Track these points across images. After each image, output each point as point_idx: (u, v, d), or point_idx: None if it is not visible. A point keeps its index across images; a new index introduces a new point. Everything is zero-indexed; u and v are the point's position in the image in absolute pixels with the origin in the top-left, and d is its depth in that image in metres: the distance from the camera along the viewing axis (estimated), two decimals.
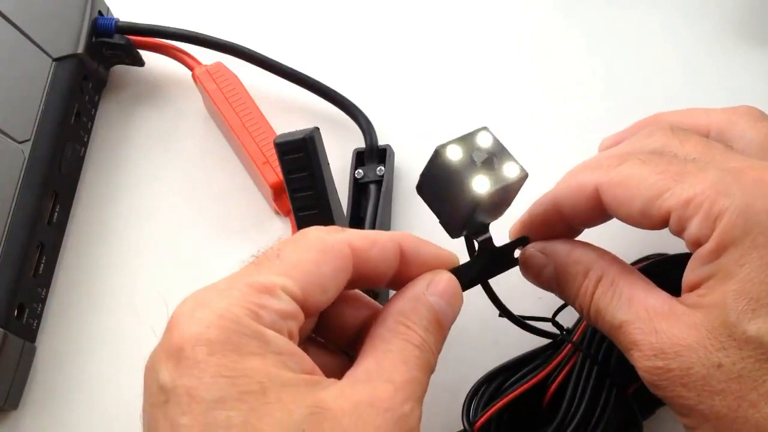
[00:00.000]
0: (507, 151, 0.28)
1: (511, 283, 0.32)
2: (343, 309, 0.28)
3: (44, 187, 0.40)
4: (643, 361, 0.26)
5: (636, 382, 0.32)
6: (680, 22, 0.47)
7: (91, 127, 0.46)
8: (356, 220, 0.41)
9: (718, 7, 0.47)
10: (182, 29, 0.45)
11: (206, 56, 0.45)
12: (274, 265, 0.25)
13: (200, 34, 0.45)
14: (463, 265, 0.30)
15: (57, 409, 0.39)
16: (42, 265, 0.40)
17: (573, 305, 0.30)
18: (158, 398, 0.22)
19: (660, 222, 0.27)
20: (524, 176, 0.28)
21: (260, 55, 0.45)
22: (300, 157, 0.32)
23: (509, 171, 0.28)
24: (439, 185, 0.28)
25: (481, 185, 0.27)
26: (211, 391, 0.21)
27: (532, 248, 0.31)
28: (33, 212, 0.39)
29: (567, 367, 0.32)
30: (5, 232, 0.38)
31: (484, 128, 0.28)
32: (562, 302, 0.33)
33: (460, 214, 0.28)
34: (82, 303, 0.41)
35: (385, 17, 0.49)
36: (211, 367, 0.22)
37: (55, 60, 0.42)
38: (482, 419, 0.32)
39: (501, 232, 0.32)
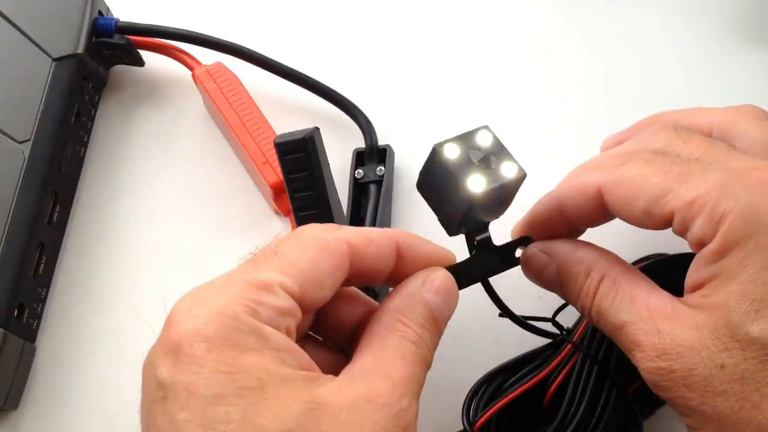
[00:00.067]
0: (506, 150, 0.28)
1: (511, 283, 0.32)
2: (340, 306, 0.28)
3: (44, 187, 0.40)
4: (645, 361, 0.26)
5: (636, 382, 0.32)
6: (680, 22, 0.47)
7: (91, 127, 0.46)
8: (356, 220, 0.41)
9: (718, 7, 0.47)
10: (182, 29, 0.45)
11: (206, 56, 0.45)
12: (271, 262, 0.25)
13: (200, 34, 0.45)
14: (459, 263, 0.30)
15: (57, 409, 0.39)
16: (42, 265, 0.40)
17: (575, 305, 0.30)
18: (157, 394, 0.22)
19: (663, 222, 0.27)
20: (522, 176, 0.28)
21: (260, 55, 0.45)
22: (300, 157, 0.32)
23: (507, 170, 0.28)
24: (436, 183, 0.29)
25: (476, 184, 0.27)
26: (210, 387, 0.22)
27: (534, 248, 0.31)
28: (33, 212, 0.39)
29: (567, 367, 0.32)
30: (5, 232, 0.38)
31: (485, 127, 0.28)
32: (561, 302, 0.33)
33: (457, 212, 0.28)
34: (82, 303, 0.41)
35: (385, 17, 0.49)
36: (210, 363, 0.22)
37: (55, 60, 0.42)
38: (482, 419, 0.32)
39: (503, 231, 0.32)
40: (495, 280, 0.31)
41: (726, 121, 0.31)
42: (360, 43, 0.48)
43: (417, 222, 0.42)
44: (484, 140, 0.28)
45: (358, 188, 0.42)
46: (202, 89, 0.45)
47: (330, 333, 0.29)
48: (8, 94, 0.41)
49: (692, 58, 0.46)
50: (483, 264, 0.30)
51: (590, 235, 0.32)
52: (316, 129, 0.32)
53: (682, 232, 0.27)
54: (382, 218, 0.40)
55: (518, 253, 0.32)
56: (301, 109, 0.46)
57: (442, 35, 0.48)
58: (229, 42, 0.45)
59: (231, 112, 0.43)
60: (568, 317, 0.33)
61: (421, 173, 0.29)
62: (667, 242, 0.33)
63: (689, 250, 0.27)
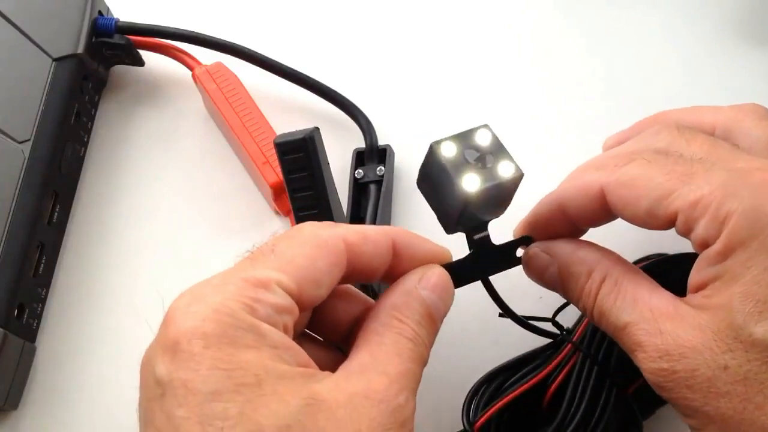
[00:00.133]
0: (505, 149, 0.28)
1: (511, 283, 0.32)
2: (337, 304, 0.28)
3: (44, 187, 0.40)
4: (648, 362, 0.26)
5: (636, 382, 0.32)
6: (680, 22, 0.47)
7: (91, 127, 0.46)
8: (356, 220, 0.41)
9: (718, 7, 0.47)
10: (182, 29, 0.45)
11: (206, 56, 0.45)
12: (269, 260, 0.25)
13: (200, 34, 0.45)
14: (456, 261, 0.30)
15: (57, 409, 0.39)
16: (42, 265, 0.40)
17: (577, 306, 0.30)
18: (155, 392, 0.22)
19: (666, 223, 0.27)
20: (519, 176, 0.28)
21: (260, 55, 0.45)
22: (300, 157, 0.32)
23: (504, 170, 0.28)
24: (433, 181, 0.29)
25: (470, 183, 0.27)
26: (208, 384, 0.22)
27: (536, 248, 0.31)
28: (33, 212, 0.39)
29: (567, 367, 0.32)
30: (5, 232, 0.38)
31: (485, 125, 0.28)
32: (562, 302, 0.33)
33: (453, 210, 0.28)
34: (82, 303, 0.41)
35: (385, 17, 0.49)
36: (207, 360, 0.22)
37: (55, 60, 0.42)
38: (482, 419, 0.32)
39: (503, 231, 0.32)
40: (495, 280, 0.31)
41: (729, 120, 0.31)
42: (360, 43, 0.48)
43: (417, 222, 0.42)
44: (483, 139, 0.28)
45: (358, 188, 0.42)
46: (202, 89, 0.45)
47: (326, 331, 0.29)
48: (8, 94, 0.41)
49: (692, 58, 0.46)
50: (481, 263, 0.30)
51: (591, 234, 0.32)
52: (316, 129, 0.32)
53: (685, 233, 0.27)
54: (382, 218, 0.40)
55: (520, 252, 0.32)
56: (301, 109, 0.46)
57: (442, 35, 0.48)
58: (229, 42, 0.45)
59: (231, 112, 0.43)
60: (568, 317, 0.33)
61: (420, 170, 0.29)
62: (667, 241, 0.33)
63: (689, 250, 0.27)
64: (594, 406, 0.31)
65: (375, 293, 0.33)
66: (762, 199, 0.25)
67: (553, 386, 0.32)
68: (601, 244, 0.30)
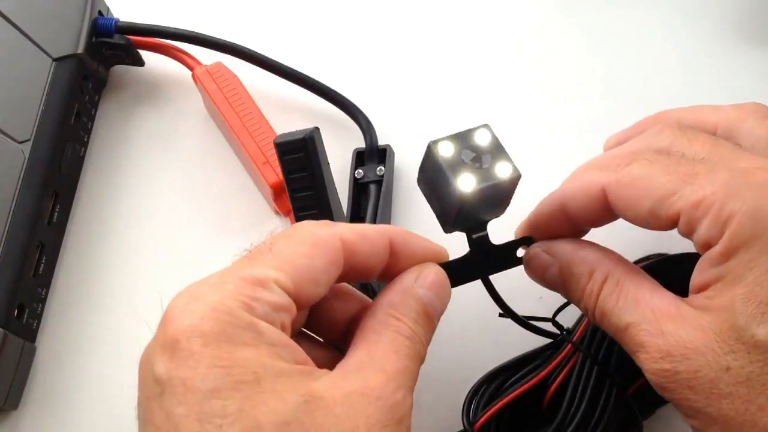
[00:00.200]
0: (503, 150, 0.28)
1: (511, 283, 0.32)
2: (334, 303, 0.28)
3: (44, 187, 0.40)
4: (650, 363, 0.26)
5: (636, 383, 0.32)
6: (680, 22, 0.47)
7: (91, 127, 0.46)
8: (356, 220, 0.41)
9: (718, 7, 0.47)
10: (182, 29, 0.45)
11: (206, 56, 0.45)
12: (266, 258, 0.25)
13: (200, 34, 0.45)
14: (454, 260, 0.30)
15: (57, 409, 0.39)
16: (42, 265, 0.40)
17: (578, 306, 0.30)
18: (154, 390, 0.22)
19: (669, 223, 0.27)
20: (516, 177, 0.28)
21: (260, 55, 0.45)
22: (300, 157, 0.32)
23: (501, 171, 0.28)
24: (431, 180, 0.29)
25: (466, 183, 0.27)
26: (206, 382, 0.22)
27: (537, 248, 0.31)
28: (33, 212, 0.39)
29: (567, 367, 0.32)
30: (5, 232, 0.38)
31: (485, 125, 0.28)
32: (562, 302, 0.33)
33: (450, 210, 0.28)
34: (82, 303, 0.41)
35: (385, 17, 0.49)
36: (206, 358, 0.22)
37: (55, 60, 0.42)
38: (482, 419, 0.32)
39: (504, 231, 0.32)
40: (495, 280, 0.31)
41: (731, 119, 0.31)
42: (360, 43, 0.48)
43: (417, 222, 0.42)
44: (482, 139, 0.28)
45: (358, 188, 0.42)
46: (202, 89, 0.45)
47: (324, 330, 0.29)
48: (8, 94, 0.41)
49: (692, 58, 0.46)
50: (480, 262, 0.30)
51: (592, 234, 0.32)
52: (316, 129, 0.32)
53: (687, 234, 0.26)
54: (382, 218, 0.40)
55: (521, 252, 0.32)
56: (301, 109, 0.46)
57: (442, 35, 0.48)
58: (229, 42, 0.45)
59: (231, 112, 0.43)
60: (569, 317, 0.33)
61: (419, 170, 0.29)
62: (668, 241, 0.33)
63: (690, 250, 0.27)
64: (594, 406, 0.31)
65: (374, 292, 0.33)
66: (765, 199, 0.25)
67: (553, 386, 0.32)
68: (602, 244, 0.30)
